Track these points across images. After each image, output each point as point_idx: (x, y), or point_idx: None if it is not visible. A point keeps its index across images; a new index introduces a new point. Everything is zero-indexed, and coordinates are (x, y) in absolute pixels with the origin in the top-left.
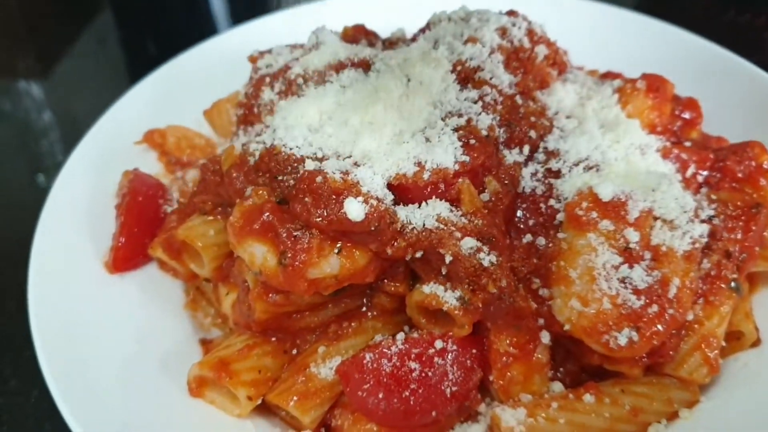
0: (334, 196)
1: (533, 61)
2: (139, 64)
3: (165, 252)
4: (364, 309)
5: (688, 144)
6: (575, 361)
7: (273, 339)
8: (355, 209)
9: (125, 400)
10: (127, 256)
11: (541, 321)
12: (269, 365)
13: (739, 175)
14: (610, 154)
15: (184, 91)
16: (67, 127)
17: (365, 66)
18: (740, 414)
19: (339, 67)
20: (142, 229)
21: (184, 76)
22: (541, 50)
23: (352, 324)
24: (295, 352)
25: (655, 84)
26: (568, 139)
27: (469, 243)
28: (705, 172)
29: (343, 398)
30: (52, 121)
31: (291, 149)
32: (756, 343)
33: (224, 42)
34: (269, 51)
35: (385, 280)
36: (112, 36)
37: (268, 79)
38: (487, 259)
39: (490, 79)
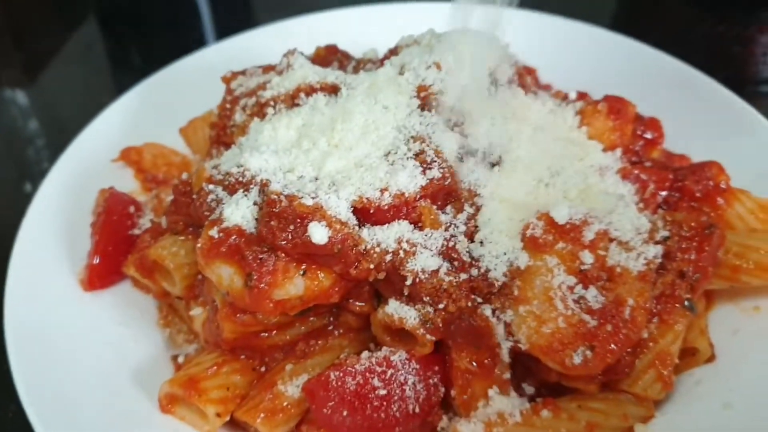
0: (298, 220)
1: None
2: (125, 71)
3: (138, 271)
4: (330, 327)
5: (648, 164)
6: (534, 377)
7: (242, 357)
8: (318, 233)
9: (99, 416)
10: (101, 274)
11: (502, 339)
12: (238, 383)
13: (698, 194)
14: (569, 175)
15: (163, 107)
16: (53, 135)
17: (334, 91)
18: (693, 429)
19: (308, 90)
20: (117, 247)
21: (163, 92)
22: (505, 73)
23: (319, 342)
24: (263, 369)
25: (616, 106)
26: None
27: (429, 262)
28: (664, 192)
29: (309, 415)
30: (37, 129)
31: (257, 172)
32: (710, 359)
33: (204, 58)
34: (243, 72)
35: (350, 300)
36: (97, 44)
37: (240, 101)
38: (447, 279)
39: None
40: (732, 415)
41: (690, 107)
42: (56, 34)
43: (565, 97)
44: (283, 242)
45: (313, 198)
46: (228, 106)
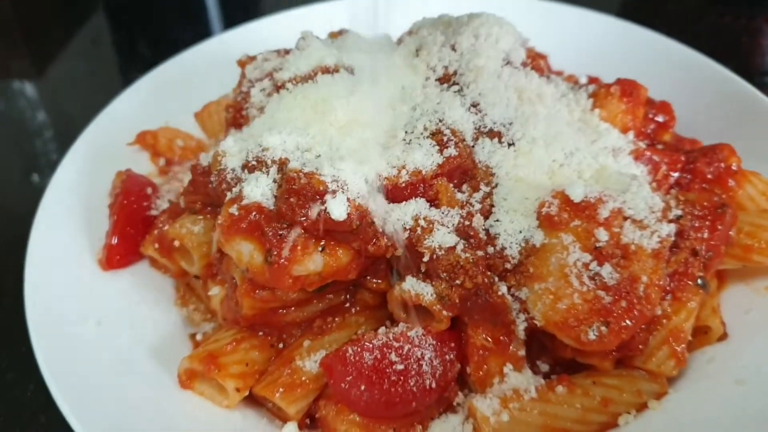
0: (317, 197)
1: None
2: (133, 64)
3: (156, 250)
4: (347, 305)
5: (660, 147)
6: (549, 354)
7: (260, 333)
8: (337, 209)
9: (119, 393)
10: (119, 254)
11: (517, 316)
12: (256, 359)
13: (709, 176)
14: (584, 156)
15: (176, 93)
16: (60, 127)
17: (350, 71)
18: (706, 405)
19: (325, 71)
20: (134, 227)
21: (176, 78)
22: (519, 56)
23: (336, 319)
24: (281, 346)
25: (628, 89)
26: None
27: (446, 239)
28: (676, 174)
29: (327, 390)
30: (46, 121)
31: (276, 150)
32: (722, 337)
33: (215, 45)
34: (257, 56)
35: (368, 277)
36: (105, 37)
37: (256, 83)
38: (464, 256)
39: (470, 84)
40: (745, 390)
41: (699, 93)
42: (65, 26)
43: (576, 82)
44: (303, 218)
45: (331, 175)
46: (244, 89)
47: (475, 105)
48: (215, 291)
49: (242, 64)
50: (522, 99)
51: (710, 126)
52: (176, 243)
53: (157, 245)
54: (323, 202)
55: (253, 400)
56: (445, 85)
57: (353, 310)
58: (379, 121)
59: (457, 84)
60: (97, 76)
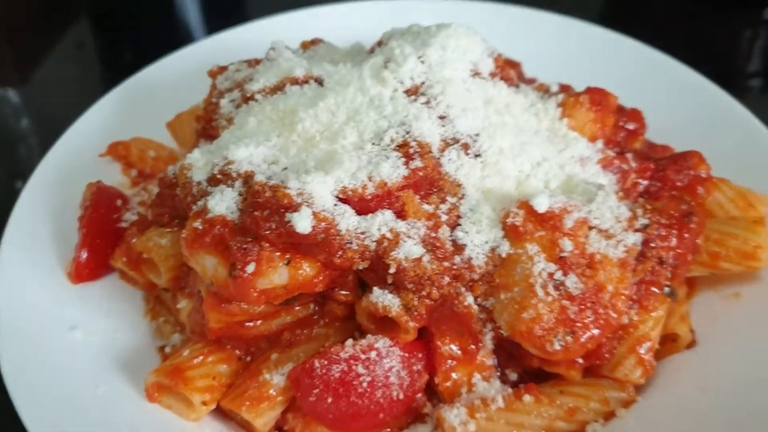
0: (282, 210)
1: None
2: (117, 70)
3: (125, 263)
4: (315, 317)
5: (630, 155)
6: (517, 363)
7: (227, 347)
8: (302, 223)
9: (86, 407)
10: (89, 267)
11: (484, 326)
12: (223, 372)
13: (678, 184)
14: (551, 166)
15: (149, 103)
16: (44, 133)
17: (319, 82)
18: (675, 412)
19: (294, 82)
20: (104, 240)
21: (149, 88)
22: (487, 66)
23: (305, 331)
24: (249, 359)
25: (597, 97)
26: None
27: (412, 251)
28: (645, 182)
29: (295, 403)
30: (29, 127)
31: (242, 163)
32: (691, 344)
33: (191, 54)
34: (228, 67)
35: (335, 289)
36: (89, 42)
37: (226, 93)
38: (430, 267)
39: (437, 96)
40: (710, 397)
41: (672, 99)
42: (48, 32)
43: (547, 90)
44: (267, 232)
45: (297, 188)
46: (214, 99)
47: (442, 117)
48: (183, 304)
49: (213, 74)
50: (490, 110)
51: (684, 132)
52: (144, 256)
53: (125, 258)
54: (288, 216)
55: (221, 413)
56: (413, 97)
57: (322, 322)
58: (346, 133)
59: (425, 95)
60: (82, 81)
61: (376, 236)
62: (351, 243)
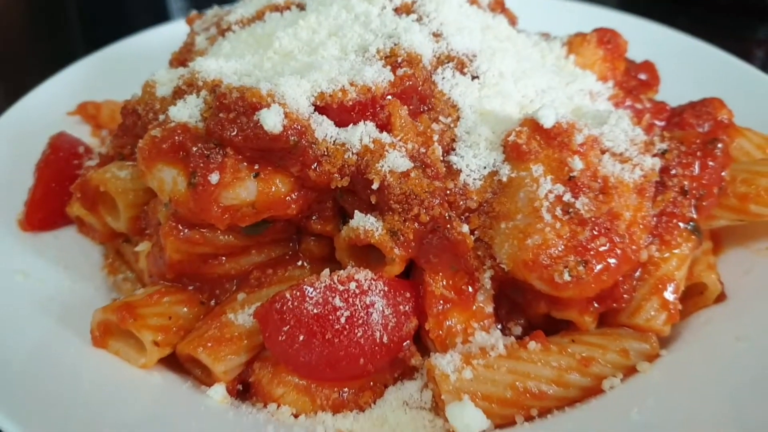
0: (251, 110)
1: (478, 4)
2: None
3: (80, 202)
4: (290, 255)
5: (643, 97)
6: (522, 314)
7: (190, 288)
8: (271, 120)
9: (23, 352)
10: (42, 212)
11: (482, 263)
12: (182, 314)
13: (698, 129)
14: (557, 95)
15: (125, 70)
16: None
17: (301, 8)
18: (704, 365)
19: (274, 9)
20: (60, 186)
21: (127, 56)
22: None
23: (278, 272)
24: (213, 303)
25: (605, 36)
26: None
27: (399, 163)
28: (661, 123)
29: (264, 353)
30: None
31: (210, 72)
32: (720, 298)
33: (171, 30)
34: (207, 12)
35: (313, 218)
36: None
37: (202, 32)
38: (419, 183)
39: (430, 13)
40: (746, 347)
41: (693, 74)
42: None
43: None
44: (233, 133)
45: (267, 89)
46: (189, 40)
47: (436, 35)
48: (142, 246)
49: (190, 20)
50: (488, 35)
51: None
52: (101, 189)
53: (79, 194)
54: (257, 115)
55: (179, 368)
56: (404, 15)
57: (298, 263)
58: (327, 46)
59: (416, 13)
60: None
61: (358, 147)
62: (328, 154)
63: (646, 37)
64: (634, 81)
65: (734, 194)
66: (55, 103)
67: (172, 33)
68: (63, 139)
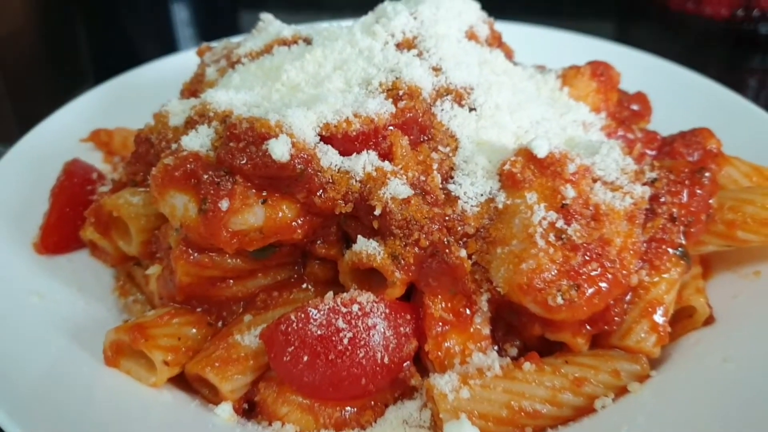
0: (260, 140)
1: (477, 39)
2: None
3: (93, 228)
4: (295, 278)
5: (635, 127)
6: (517, 335)
7: (198, 310)
8: (279, 149)
9: (42, 374)
10: (56, 236)
11: (480, 286)
12: (190, 335)
13: (689, 158)
14: (551, 126)
15: (137, 99)
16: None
17: (308, 42)
18: (692, 385)
19: (282, 43)
20: (74, 210)
21: (138, 86)
22: (483, 30)
23: (283, 294)
24: (220, 325)
25: (599, 69)
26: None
27: (400, 190)
28: (652, 152)
29: (269, 372)
30: None
31: (221, 103)
32: (709, 321)
33: (181, 60)
34: (217, 44)
35: (317, 243)
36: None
37: (212, 64)
38: (419, 210)
39: (430, 49)
40: (733, 368)
41: (683, 104)
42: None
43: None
44: (242, 162)
45: (276, 119)
46: (200, 71)
47: (435, 69)
48: (152, 270)
49: (201, 52)
50: (485, 69)
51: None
52: (114, 214)
53: (93, 219)
54: (265, 144)
55: (187, 387)
56: (405, 50)
57: (302, 286)
58: (333, 79)
59: (417, 48)
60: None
61: (361, 175)
62: (333, 182)
63: (638, 68)
64: (627, 111)
65: (722, 221)
66: (68, 130)
67: (182, 63)
68: (77, 165)
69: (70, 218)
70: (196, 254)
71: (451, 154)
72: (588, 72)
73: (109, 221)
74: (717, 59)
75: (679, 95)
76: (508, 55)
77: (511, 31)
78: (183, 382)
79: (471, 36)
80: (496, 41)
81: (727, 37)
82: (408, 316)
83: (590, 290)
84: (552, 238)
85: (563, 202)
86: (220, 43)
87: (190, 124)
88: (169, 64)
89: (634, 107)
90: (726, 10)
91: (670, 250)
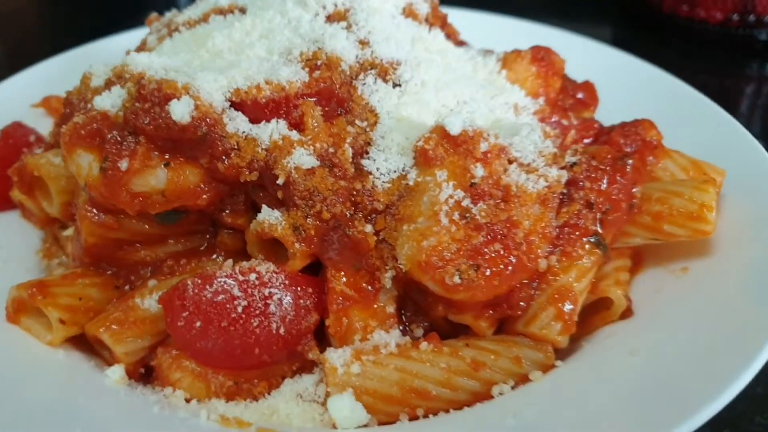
0: (165, 101)
1: (415, 16)
2: None
3: (17, 186)
4: (204, 246)
5: (572, 114)
6: (425, 316)
7: (107, 273)
8: (179, 110)
9: None
10: None
11: (385, 263)
12: (93, 296)
13: (626, 149)
14: (479, 106)
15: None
16: None
17: (243, 11)
18: (590, 379)
19: (219, 12)
20: (7, 170)
21: (99, 58)
22: (423, 8)
23: (192, 262)
24: (128, 288)
25: (539, 53)
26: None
27: (304, 160)
28: (588, 141)
29: (169, 339)
30: None
31: (138, 65)
32: (627, 314)
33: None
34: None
35: (225, 211)
36: None
37: (155, 31)
38: (323, 182)
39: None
40: (636, 361)
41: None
42: None
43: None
44: (146, 122)
45: (184, 81)
46: (144, 40)
47: (362, 43)
48: (68, 231)
49: (149, 21)
50: (418, 47)
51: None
52: (35, 174)
53: (16, 178)
54: (168, 105)
55: (89, 349)
56: (335, 22)
57: (213, 256)
58: (255, 47)
59: (347, 21)
60: None
61: (267, 143)
62: (238, 148)
63: (600, 60)
64: (571, 99)
65: (648, 213)
66: (22, 96)
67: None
68: (15, 128)
69: (3, 179)
70: (101, 215)
71: (368, 129)
72: (528, 56)
73: (33, 181)
74: (713, 65)
75: (638, 89)
76: (452, 36)
77: (484, 21)
78: (86, 343)
79: (409, 13)
80: (438, 21)
81: (722, 42)
82: (310, 290)
83: (489, 271)
84: (456, 216)
85: (472, 180)
86: (169, 14)
87: (108, 85)
88: (136, 37)
89: (580, 95)
90: (720, 14)
91: (584, 238)
